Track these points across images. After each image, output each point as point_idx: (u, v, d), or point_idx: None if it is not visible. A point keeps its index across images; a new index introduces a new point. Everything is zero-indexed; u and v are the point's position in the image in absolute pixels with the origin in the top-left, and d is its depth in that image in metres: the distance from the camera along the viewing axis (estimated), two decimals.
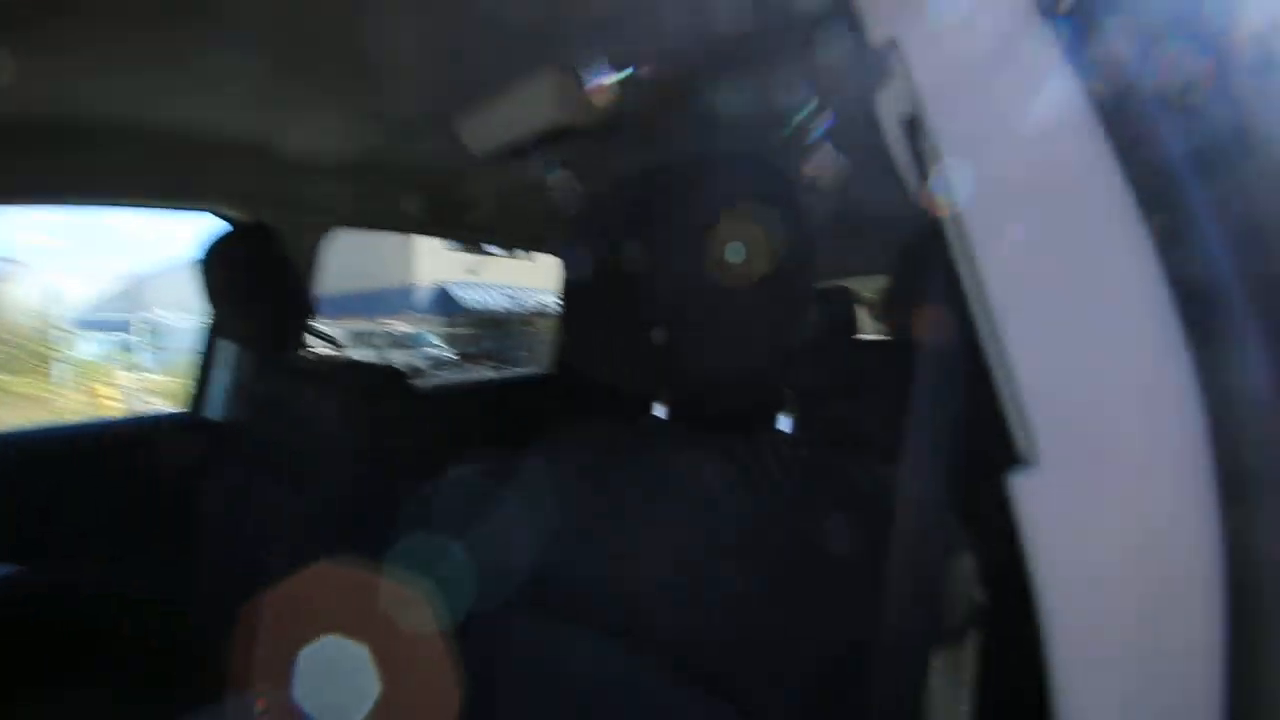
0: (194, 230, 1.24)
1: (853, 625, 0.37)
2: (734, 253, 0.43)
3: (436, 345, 15.15)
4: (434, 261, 16.53)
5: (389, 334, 14.45)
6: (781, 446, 0.48)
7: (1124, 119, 0.27)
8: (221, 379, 1.45)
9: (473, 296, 17.01)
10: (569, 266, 0.53)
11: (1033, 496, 0.26)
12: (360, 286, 16.66)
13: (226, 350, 1.43)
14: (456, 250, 17.03)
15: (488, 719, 0.45)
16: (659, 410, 0.55)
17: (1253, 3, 0.29)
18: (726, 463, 0.46)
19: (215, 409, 1.44)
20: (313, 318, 1.16)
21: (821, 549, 0.39)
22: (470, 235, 1.87)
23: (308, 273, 1.44)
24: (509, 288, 17.01)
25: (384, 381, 1.09)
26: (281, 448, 1.05)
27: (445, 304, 17.17)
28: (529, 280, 17.03)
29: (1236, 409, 0.24)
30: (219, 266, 1.08)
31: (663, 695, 0.40)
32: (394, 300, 16.45)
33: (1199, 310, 0.25)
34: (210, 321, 1.42)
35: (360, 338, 12.92)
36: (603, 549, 0.47)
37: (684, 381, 0.57)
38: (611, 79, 0.58)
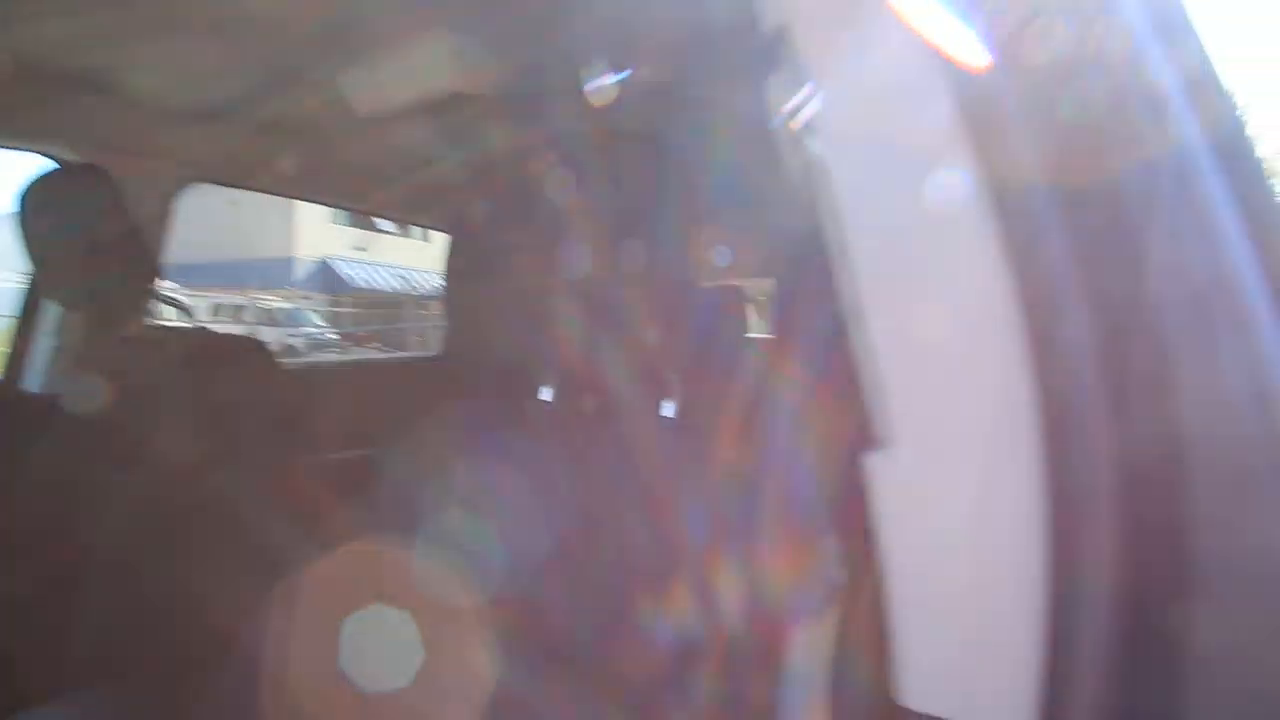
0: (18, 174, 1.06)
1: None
2: (619, 240, 0.44)
3: (317, 324, 14.16)
4: (318, 234, 15.56)
5: (263, 309, 13.30)
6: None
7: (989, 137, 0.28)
8: (44, 347, 1.28)
9: (360, 275, 16.17)
10: (452, 242, 0.54)
11: (885, 474, 0.28)
12: (234, 255, 15.32)
13: (50, 314, 1.27)
14: (344, 224, 16.08)
15: None
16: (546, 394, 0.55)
17: None
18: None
19: (35, 381, 1.28)
20: (156, 280, 1.06)
21: None
22: (348, 203, 1.72)
23: (158, 230, 1.31)
24: (401, 268, 16.13)
25: (238, 354, 1.00)
26: (113, 425, 0.95)
27: (329, 281, 16.17)
28: (423, 262, 16.38)
29: (1069, 413, 0.26)
30: (37, 213, 0.95)
31: None
32: (272, 272, 15.38)
33: (1042, 320, 0.27)
34: (31, 280, 1.27)
35: (227, 310, 11.79)
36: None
37: (569, 366, 0.58)
38: (502, 50, 0.57)
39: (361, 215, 15.60)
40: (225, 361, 0.95)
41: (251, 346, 1.05)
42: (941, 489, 0.27)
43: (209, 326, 1.46)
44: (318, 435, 1.42)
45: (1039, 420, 0.25)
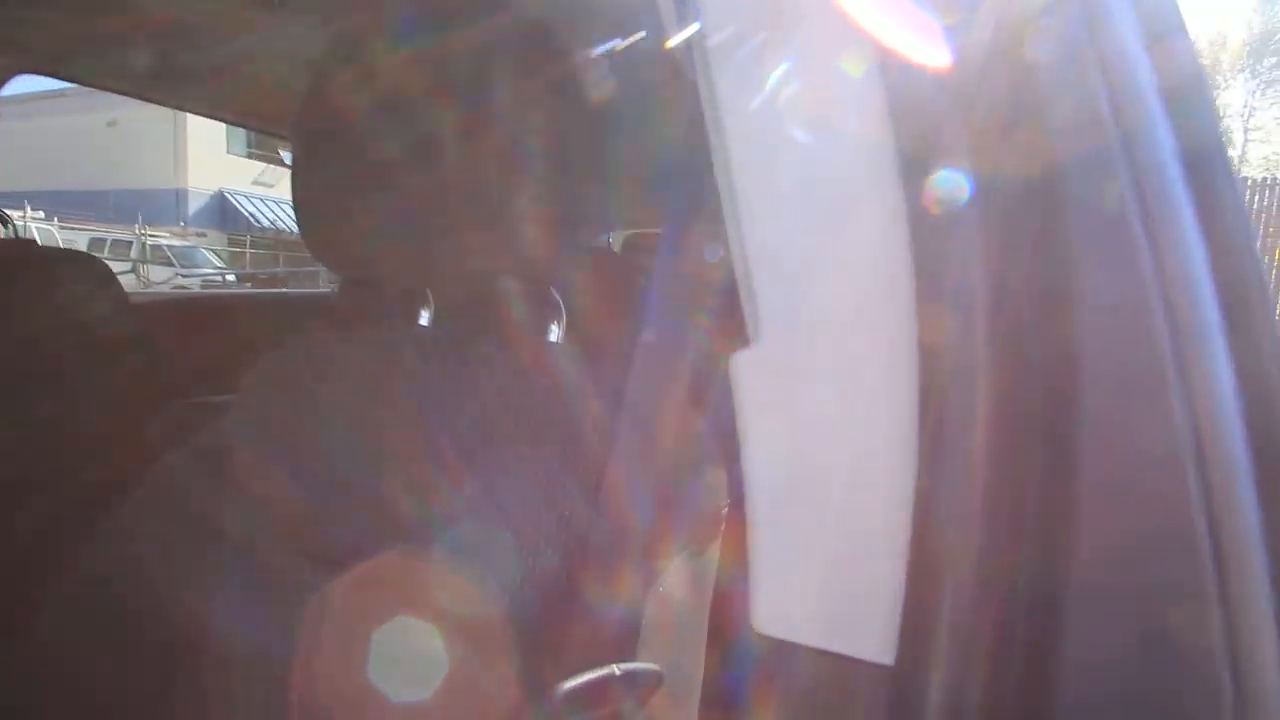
0: None
1: None
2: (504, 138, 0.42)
3: (216, 265, 13.22)
4: (212, 165, 14.37)
5: (153, 246, 12.19)
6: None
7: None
8: None
9: (265, 211, 15.17)
10: (302, 149, 0.48)
11: (749, 369, 0.26)
12: (115, 184, 13.87)
13: None
14: (242, 155, 14.86)
15: None
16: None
17: None
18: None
19: None
20: None
21: None
22: (207, 107, 1.50)
23: None
24: None
25: (70, 272, 0.87)
26: None
27: (227, 216, 15.05)
28: None
29: (941, 318, 0.25)
30: None
31: None
32: (160, 205, 14.15)
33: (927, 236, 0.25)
34: None
35: (110, 246, 10.70)
36: None
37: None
38: None
39: (262, 143, 14.43)
40: (52, 280, 0.83)
41: (88, 265, 0.91)
42: (808, 387, 0.25)
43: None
44: (166, 374, 1.28)
45: (918, 321, 0.23)
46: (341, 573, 0.39)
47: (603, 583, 0.33)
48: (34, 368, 0.78)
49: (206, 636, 0.44)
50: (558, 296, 0.46)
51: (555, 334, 0.47)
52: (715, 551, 0.43)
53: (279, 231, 15.06)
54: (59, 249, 0.94)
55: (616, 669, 0.28)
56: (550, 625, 0.34)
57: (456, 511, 0.38)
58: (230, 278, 13.35)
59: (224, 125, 14.06)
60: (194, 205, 15.42)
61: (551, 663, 0.33)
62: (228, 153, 14.49)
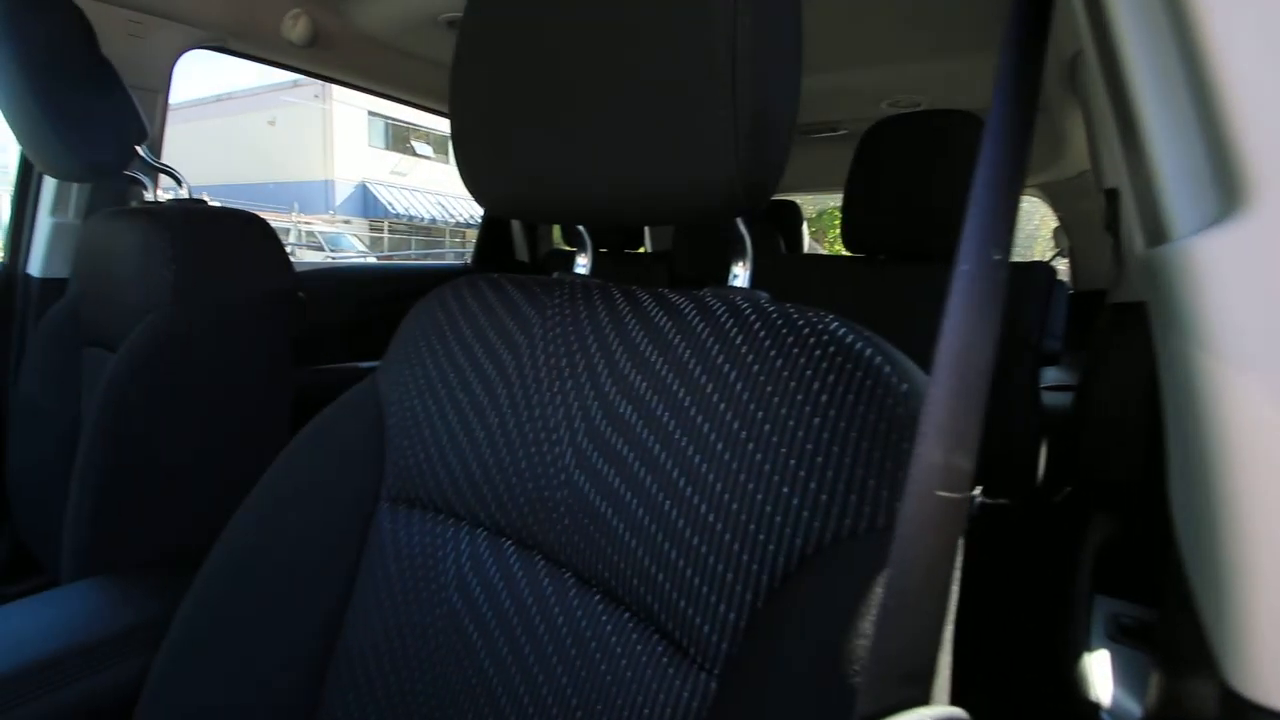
0: None
1: None
2: None
3: (359, 249, 14.46)
4: (357, 158, 16.22)
5: (306, 232, 13.52)
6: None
7: None
8: (43, 223, 1.10)
9: (400, 199, 16.85)
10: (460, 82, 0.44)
11: (1227, 262, 0.20)
12: (274, 177, 15.71)
13: (49, 185, 1.09)
14: (382, 148, 16.53)
15: None
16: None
17: None
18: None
19: (36, 263, 1.10)
20: (143, 141, 0.87)
21: None
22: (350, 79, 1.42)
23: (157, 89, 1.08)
24: (440, 195, 17.13)
25: (242, 234, 0.84)
26: (108, 309, 0.85)
27: (368, 205, 16.87)
28: (459, 187, 17.31)
29: None
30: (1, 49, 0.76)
31: None
32: (312, 196, 15.85)
33: None
34: (22, 152, 1.05)
35: None
36: None
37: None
38: None
39: (398, 137, 16.42)
40: (226, 244, 0.82)
41: (255, 222, 0.86)
42: None
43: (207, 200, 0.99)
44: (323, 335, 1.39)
45: None
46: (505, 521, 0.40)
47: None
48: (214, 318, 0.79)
49: (362, 587, 0.45)
50: (745, 231, 0.40)
51: (741, 278, 0.41)
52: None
53: (412, 218, 16.76)
54: (229, 207, 0.87)
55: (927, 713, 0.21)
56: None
57: (641, 475, 0.36)
58: (371, 260, 15.31)
59: (365, 120, 15.86)
60: (340, 195, 16.57)
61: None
62: (369, 145, 16.39)
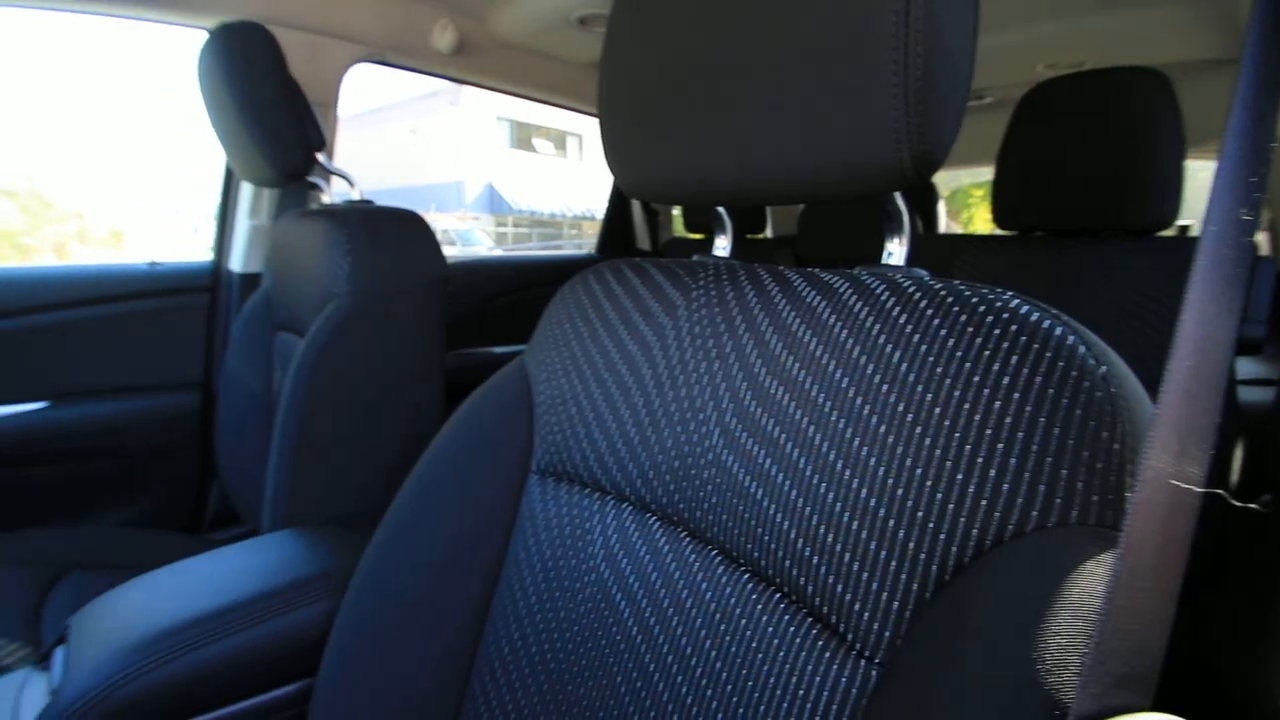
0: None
1: None
2: None
3: (485, 244, 15.10)
4: (484, 158, 17.10)
5: (440, 229, 14.74)
6: None
7: None
8: (242, 226, 1.27)
9: (522, 196, 17.58)
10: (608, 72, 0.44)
11: None
12: (413, 180, 16.91)
13: (246, 192, 1.26)
14: (507, 147, 17.36)
15: None
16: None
17: None
18: None
19: (237, 260, 1.27)
20: (321, 149, 0.97)
21: None
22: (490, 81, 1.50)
23: (329, 103, 1.22)
24: (558, 191, 17.72)
25: (405, 229, 0.91)
26: (296, 299, 0.94)
27: (494, 202, 17.73)
28: (578, 184, 18.12)
29: None
30: (211, 75, 0.89)
31: None
32: (445, 196, 16.85)
33: None
34: (227, 160, 1.19)
35: None
36: None
37: None
38: None
39: (521, 137, 17.30)
40: (393, 239, 0.89)
41: (415, 219, 0.93)
42: None
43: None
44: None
45: None
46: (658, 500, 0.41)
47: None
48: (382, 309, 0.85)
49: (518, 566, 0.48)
50: (904, 206, 0.38)
51: (897, 255, 0.39)
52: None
53: (533, 213, 17.54)
54: (392, 207, 0.93)
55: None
56: None
57: (794, 456, 0.35)
58: (498, 253, 15.99)
59: (493, 123, 16.82)
60: (470, 194, 17.56)
61: None
62: (495, 146, 17.23)
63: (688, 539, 0.43)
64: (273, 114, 0.89)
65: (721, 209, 0.50)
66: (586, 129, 17.86)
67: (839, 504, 0.34)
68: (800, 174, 0.36)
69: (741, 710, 0.36)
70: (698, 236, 1.89)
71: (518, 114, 17.31)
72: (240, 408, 1.10)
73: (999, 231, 1.07)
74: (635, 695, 0.42)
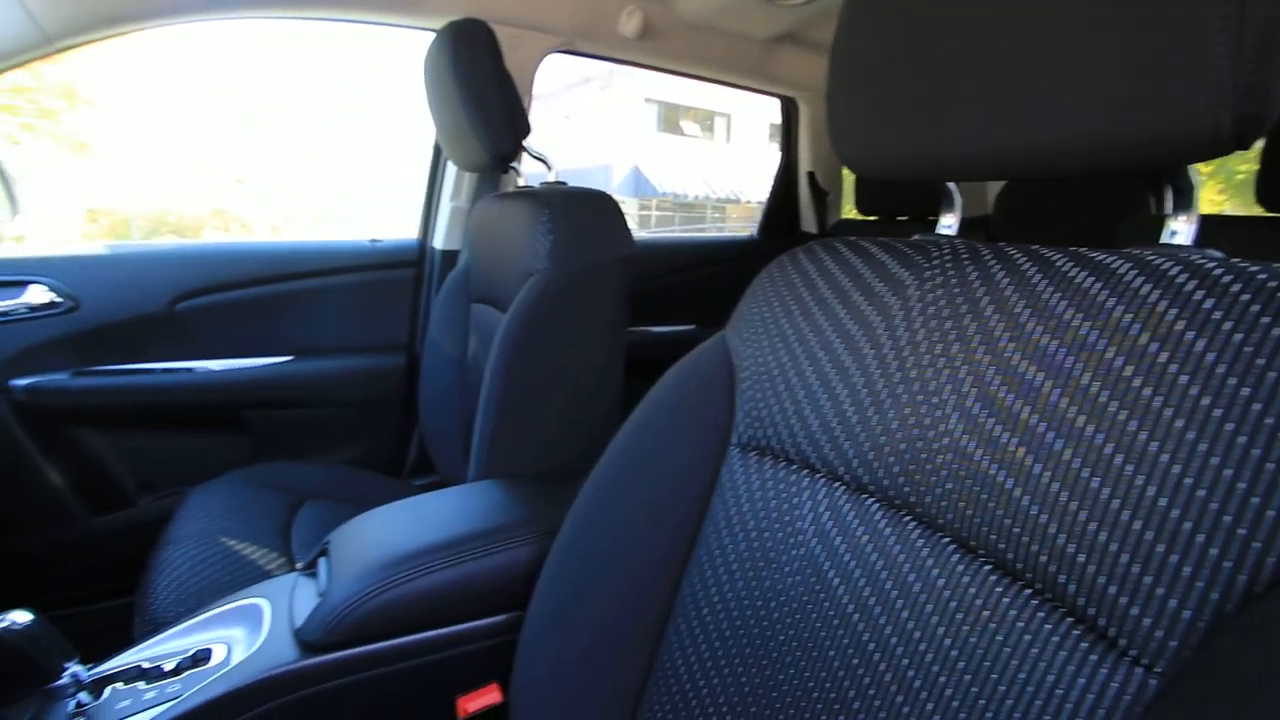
0: None
1: None
2: None
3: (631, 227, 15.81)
4: (631, 141, 17.32)
5: None
6: None
7: None
8: (445, 207, 1.39)
9: (667, 179, 17.62)
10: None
11: None
12: (566, 166, 17.74)
13: (449, 177, 1.39)
14: (653, 130, 17.44)
15: None
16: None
17: None
18: None
19: (440, 238, 1.40)
20: (528, 135, 1.02)
21: None
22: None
23: (525, 91, 1.27)
24: (703, 173, 17.58)
25: (599, 208, 0.97)
26: (495, 274, 1.01)
27: (639, 185, 17.88)
28: (724, 166, 17.91)
29: None
30: (438, 69, 0.99)
31: None
32: (595, 180, 17.50)
33: None
34: (436, 143, 1.36)
35: None
36: None
37: None
38: None
39: (669, 120, 17.42)
40: (587, 219, 0.94)
41: (607, 199, 0.99)
42: None
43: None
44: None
45: None
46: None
47: None
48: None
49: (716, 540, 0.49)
50: (1195, 178, 0.34)
51: (1183, 234, 0.35)
52: None
53: (677, 196, 17.62)
54: (585, 188, 1.00)
55: None
56: None
57: (1056, 446, 0.33)
58: (643, 235, 16.25)
59: (642, 106, 17.17)
60: (617, 177, 18.16)
61: None
62: (643, 130, 17.40)
63: (913, 523, 0.42)
64: (491, 103, 0.98)
65: (951, 185, 0.49)
66: (735, 109, 17.64)
67: (1116, 500, 0.32)
68: (1078, 144, 0.33)
69: (983, 702, 0.35)
70: (869, 219, 1.82)
71: (666, 96, 17.41)
72: (439, 370, 1.24)
73: (1257, 212, 0.92)
74: (850, 669, 0.42)
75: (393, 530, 0.71)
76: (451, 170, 1.44)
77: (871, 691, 0.40)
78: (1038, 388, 0.35)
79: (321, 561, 0.71)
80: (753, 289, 0.55)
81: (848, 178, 1.96)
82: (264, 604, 0.68)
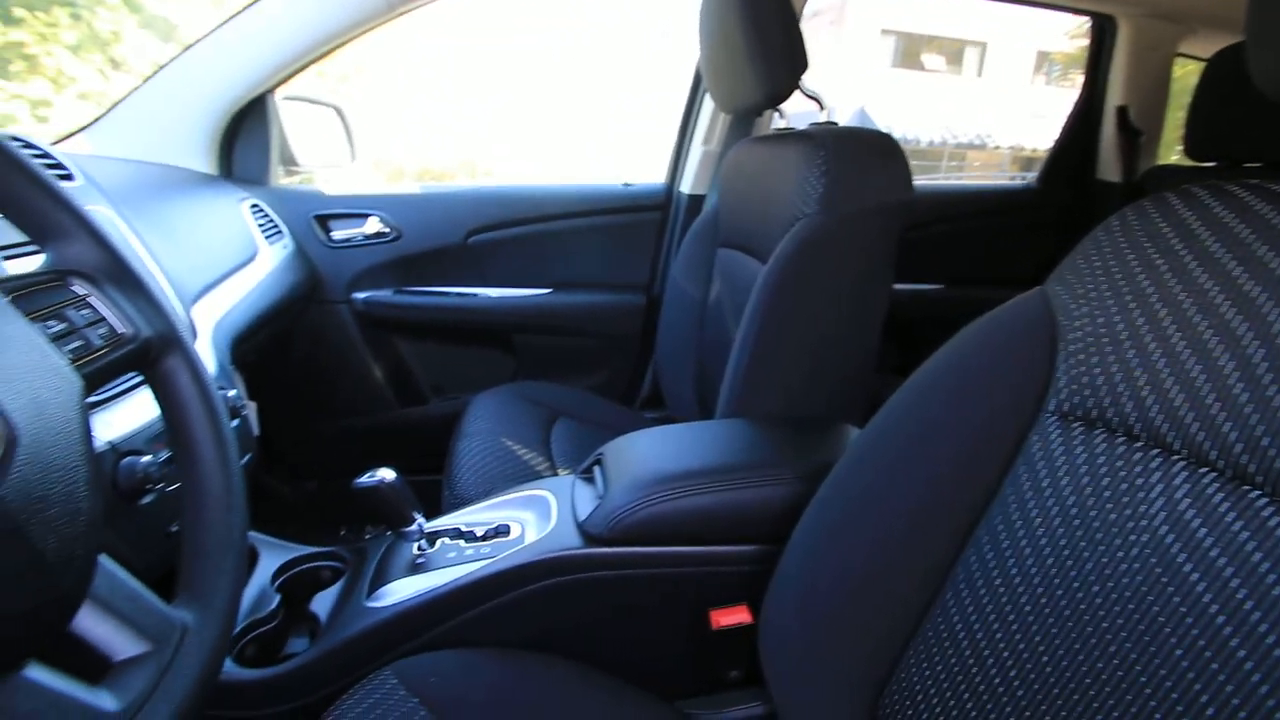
0: None
1: None
2: None
3: None
4: (862, 80, 15.97)
5: None
6: None
7: None
8: (695, 152, 1.45)
9: (899, 123, 16.33)
10: None
11: None
12: (790, 108, 17.20)
13: (702, 121, 1.43)
14: (889, 67, 15.94)
15: None
16: None
17: None
18: None
19: (688, 182, 1.46)
20: (805, 70, 0.95)
21: None
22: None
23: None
24: (943, 114, 15.61)
25: (878, 149, 0.90)
26: (752, 218, 1.00)
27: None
28: (967, 105, 15.75)
29: None
30: (720, 5, 0.97)
31: None
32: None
33: None
34: (693, 83, 1.42)
35: None
36: None
37: None
38: None
39: (909, 55, 15.65)
40: (869, 154, 0.89)
41: (887, 140, 0.91)
42: None
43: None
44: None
45: None
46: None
47: None
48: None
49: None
50: None
51: None
52: None
53: (907, 141, 16.02)
54: (862, 128, 0.94)
55: None
56: None
57: None
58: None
59: (878, 39, 15.61)
60: (840, 121, 17.65)
61: None
62: (875, 65, 15.88)
63: None
64: (773, 33, 0.93)
65: None
66: (992, 37, 15.39)
67: None
68: None
69: None
70: (1201, 165, 1.45)
71: (907, 25, 15.74)
72: (679, 311, 1.30)
73: None
74: (1202, 669, 0.37)
75: (664, 451, 0.78)
76: (705, 115, 1.46)
77: (1236, 702, 0.36)
78: None
79: (597, 470, 0.80)
80: (1095, 237, 0.49)
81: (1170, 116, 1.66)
82: (550, 497, 0.79)
